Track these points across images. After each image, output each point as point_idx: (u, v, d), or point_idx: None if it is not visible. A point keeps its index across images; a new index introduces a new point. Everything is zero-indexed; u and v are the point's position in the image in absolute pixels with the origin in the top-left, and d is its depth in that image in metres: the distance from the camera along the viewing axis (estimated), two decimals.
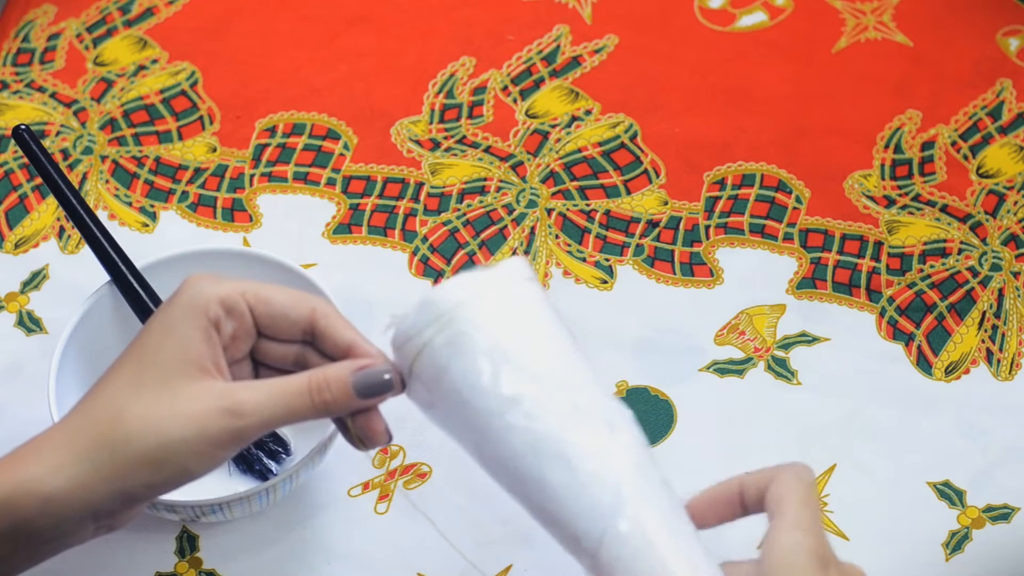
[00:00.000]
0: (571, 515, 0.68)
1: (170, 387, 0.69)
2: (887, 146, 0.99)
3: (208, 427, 0.69)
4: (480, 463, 0.71)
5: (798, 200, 0.97)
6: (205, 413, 0.69)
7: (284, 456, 0.84)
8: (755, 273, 0.94)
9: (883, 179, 0.98)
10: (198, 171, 0.98)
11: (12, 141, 0.78)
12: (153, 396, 0.69)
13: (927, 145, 0.99)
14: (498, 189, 0.97)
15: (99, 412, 0.70)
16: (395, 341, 0.71)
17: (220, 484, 0.82)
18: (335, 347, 0.73)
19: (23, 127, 0.79)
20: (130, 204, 0.96)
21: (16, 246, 0.95)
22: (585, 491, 0.68)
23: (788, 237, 0.95)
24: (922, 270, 0.94)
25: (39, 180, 0.96)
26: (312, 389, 0.70)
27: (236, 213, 0.96)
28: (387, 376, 0.71)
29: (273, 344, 0.74)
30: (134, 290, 0.83)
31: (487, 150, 0.99)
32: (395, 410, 0.74)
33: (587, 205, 0.96)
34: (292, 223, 0.96)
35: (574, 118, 1.00)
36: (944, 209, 0.96)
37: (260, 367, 0.75)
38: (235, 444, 0.69)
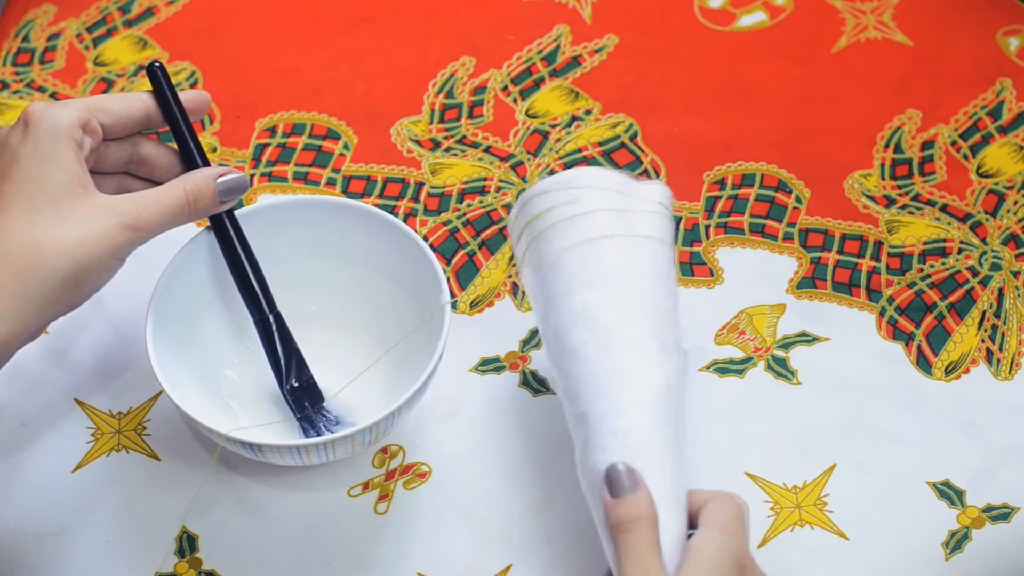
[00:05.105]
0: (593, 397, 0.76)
1: (64, 210, 0.75)
2: (887, 146, 0.99)
3: (114, 243, 0.75)
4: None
5: (798, 200, 0.97)
6: (110, 231, 0.75)
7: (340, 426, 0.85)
8: (755, 273, 0.94)
9: (883, 179, 0.98)
10: None
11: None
12: (52, 222, 0.74)
13: (927, 145, 0.99)
14: (498, 189, 0.97)
15: (12, 250, 0.74)
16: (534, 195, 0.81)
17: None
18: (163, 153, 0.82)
19: (157, 63, 0.82)
20: None
21: None
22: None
23: (788, 237, 0.95)
24: (922, 270, 0.94)
25: None
26: (190, 200, 0.79)
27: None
28: (246, 178, 0.80)
29: (112, 146, 0.81)
30: (230, 238, 0.84)
31: (487, 150, 0.99)
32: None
33: None
34: None
35: (574, 118, 1.00)
36: (944, 209, 0.96)
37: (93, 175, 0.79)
38: (130, 252, 0.77)
